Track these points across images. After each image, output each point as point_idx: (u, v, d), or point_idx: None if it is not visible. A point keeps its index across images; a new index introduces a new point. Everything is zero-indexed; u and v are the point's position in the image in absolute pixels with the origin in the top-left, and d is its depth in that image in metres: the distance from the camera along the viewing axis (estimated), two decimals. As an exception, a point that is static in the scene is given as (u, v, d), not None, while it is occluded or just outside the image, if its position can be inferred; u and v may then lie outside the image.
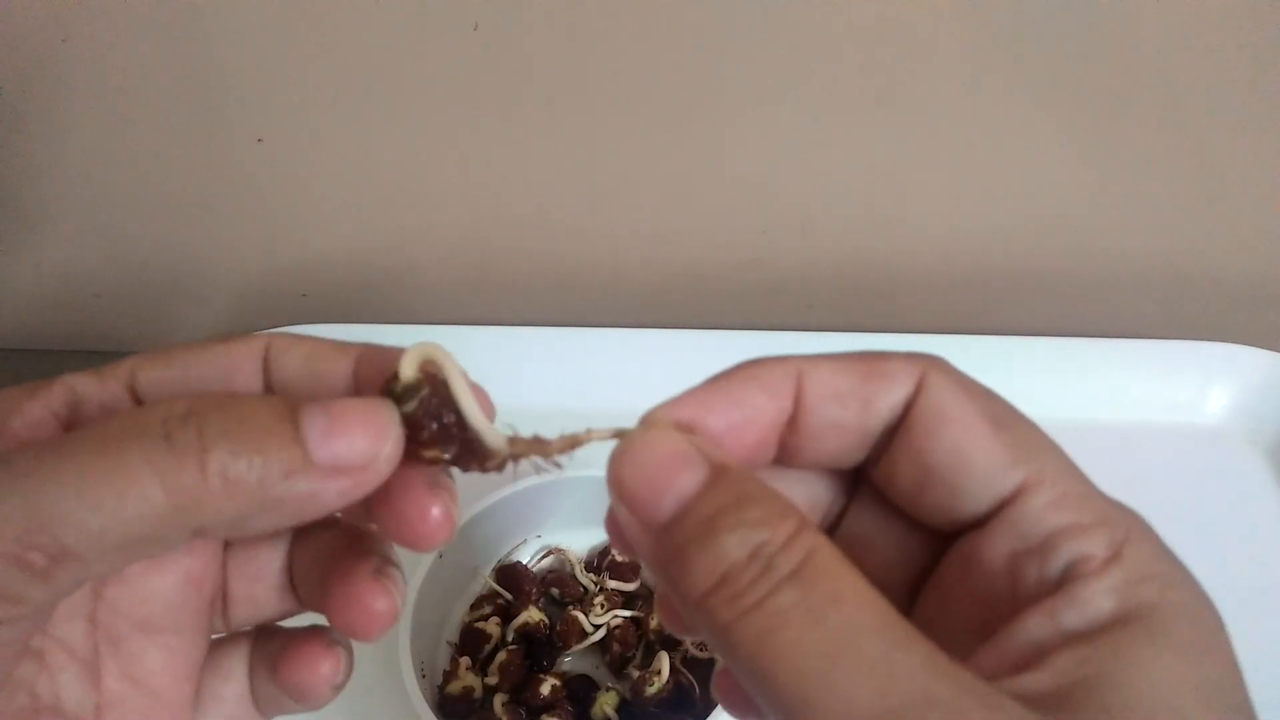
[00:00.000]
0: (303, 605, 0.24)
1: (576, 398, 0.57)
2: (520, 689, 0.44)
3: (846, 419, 0.20)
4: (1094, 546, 0.17)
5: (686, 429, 0.19)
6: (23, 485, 0.16)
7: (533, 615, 0.46)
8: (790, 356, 0.20)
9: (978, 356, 0.57)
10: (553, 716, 0.42)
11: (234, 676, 0.23)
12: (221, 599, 0.23)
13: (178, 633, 0.22)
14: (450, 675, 0.44)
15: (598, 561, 0.50)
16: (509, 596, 0.48)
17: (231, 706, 0.24)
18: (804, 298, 0.60)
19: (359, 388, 0.20)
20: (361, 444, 0.18)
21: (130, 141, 0.52)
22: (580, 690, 0.45)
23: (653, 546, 0.17)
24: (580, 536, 0.51)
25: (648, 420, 0.19)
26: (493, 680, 0.44)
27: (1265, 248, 0.56)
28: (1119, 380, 0.57)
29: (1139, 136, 0.50)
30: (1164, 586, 0.17)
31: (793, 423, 0.20)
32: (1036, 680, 0.17)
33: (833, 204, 0.55)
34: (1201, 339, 0.58)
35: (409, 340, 0.19)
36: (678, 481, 0.17)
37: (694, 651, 0.45)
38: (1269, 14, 0.45)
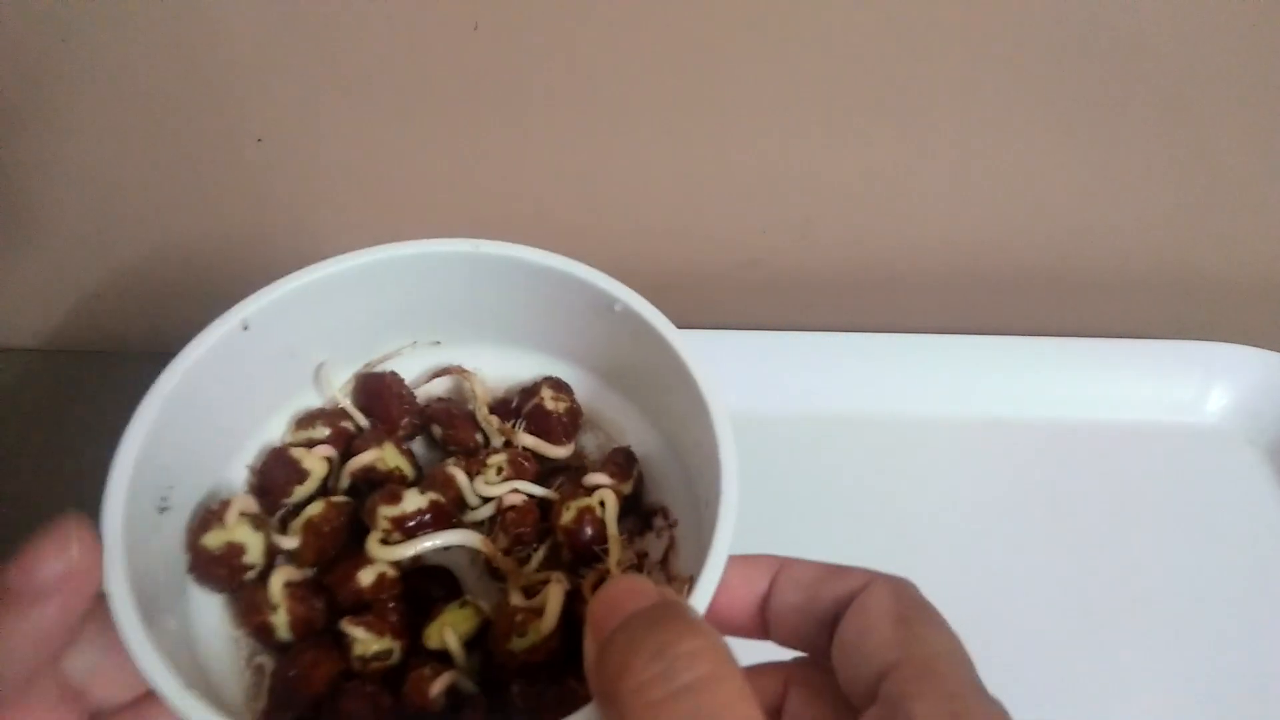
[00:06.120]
0: None
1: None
2: (330, 569, 0.28)
3: (799, 602, 0.25)
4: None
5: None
6: None
7: (387, 457, 0.30)
8: (779, 556, 0.26)
9: (978, 356, 0.57)
10: (359, 624, 0.27)
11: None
12: None
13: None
14: (213, 518, 0.28)
15: (517, 403, 0.33)
16: (361, 421, 0.32)
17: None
18: (804, 298, 0.60)
19: None
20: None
21: (130, 141, 0.52)
22: (424, 592, 0.29)
23: (594, 654, 0.20)
24: (500, 360, 0.34)
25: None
26: (290, 543, 0.28)
27: (1265, 248, 0.56)
28: (1119, 380, 0.57)
29: (1139, 136, 0.50)
30: None
31: (765, 600, 0.26)
32: None
33: (833, 204, 0.55)
34: (1201, 339, 0.58)
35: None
36: (628, 606, 0.20)
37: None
38: (1270, 13, 0.45)
